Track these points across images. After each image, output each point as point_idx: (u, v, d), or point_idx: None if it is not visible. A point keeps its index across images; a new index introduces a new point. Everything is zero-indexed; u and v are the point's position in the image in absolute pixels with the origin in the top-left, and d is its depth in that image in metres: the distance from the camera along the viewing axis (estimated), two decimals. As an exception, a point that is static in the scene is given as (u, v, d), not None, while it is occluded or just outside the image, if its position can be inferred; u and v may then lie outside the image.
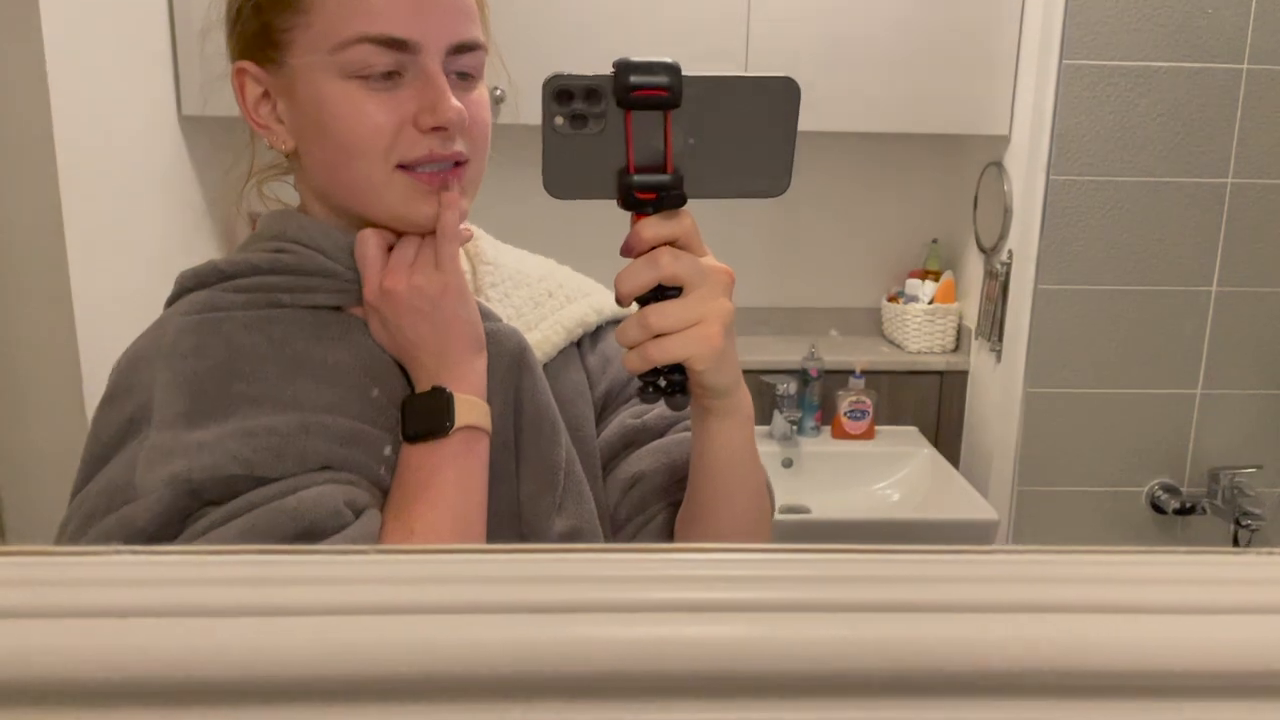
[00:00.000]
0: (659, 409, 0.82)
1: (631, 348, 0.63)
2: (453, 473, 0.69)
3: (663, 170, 0.60)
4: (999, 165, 2.15)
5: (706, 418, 0.69)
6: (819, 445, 2.24)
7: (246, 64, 0.72)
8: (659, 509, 0.79)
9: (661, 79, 0.58)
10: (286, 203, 0.81)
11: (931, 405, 2.37)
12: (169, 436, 0.64)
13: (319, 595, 0.33)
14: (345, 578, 0.35)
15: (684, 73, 0.58)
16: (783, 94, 0.61)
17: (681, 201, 0.61)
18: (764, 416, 2.21)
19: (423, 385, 0.71)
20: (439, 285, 0.70)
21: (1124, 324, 2.04)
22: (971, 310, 2.32)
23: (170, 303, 0.74)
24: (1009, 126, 2.09)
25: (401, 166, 0.69)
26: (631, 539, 0.79)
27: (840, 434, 2.26)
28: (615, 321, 0.85)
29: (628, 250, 0.62)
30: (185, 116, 2.07)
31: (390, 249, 0.72)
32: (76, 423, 1.64)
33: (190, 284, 0.73)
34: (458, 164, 0.71)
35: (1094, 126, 1.93)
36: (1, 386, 1.62)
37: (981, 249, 2.24)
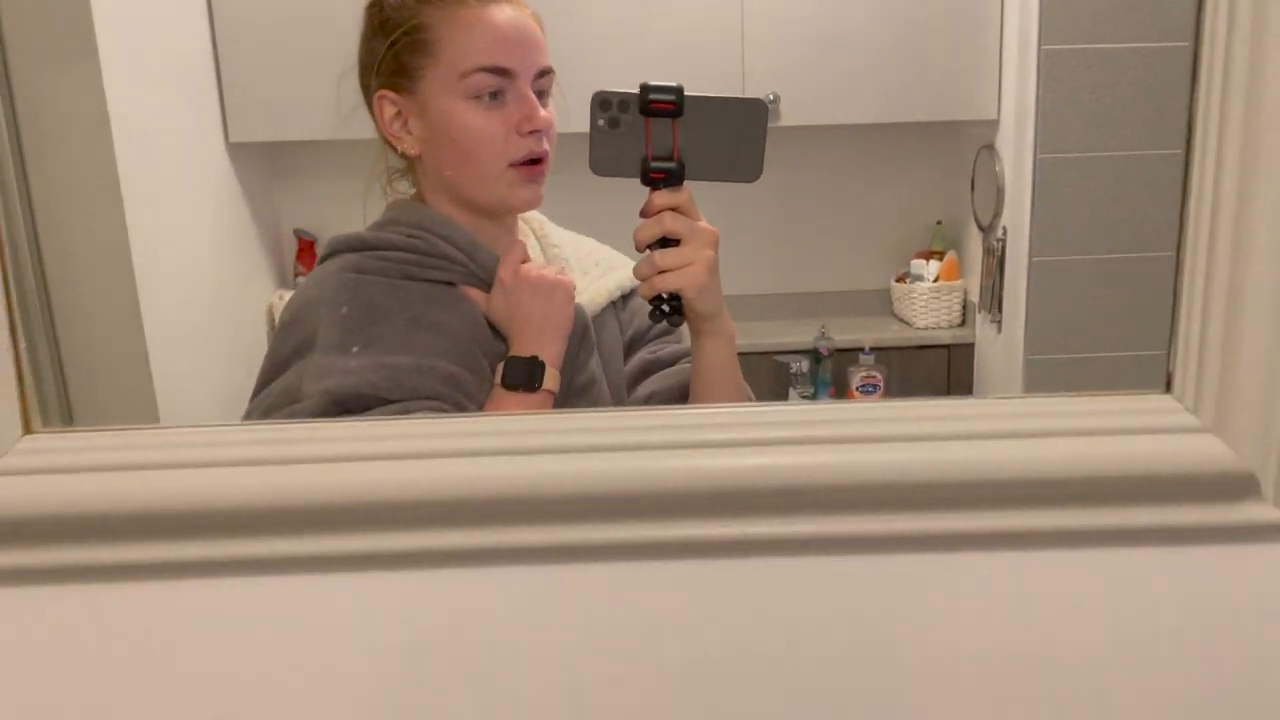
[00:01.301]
0: (670, 349, 1.06)
1: (643, 280, 0.87)
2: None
3: (671, 158, 0.83)
4: (991, 148, 2.29)
5: (700, 339, 0.92)
6: (834, 420, 2.37)
7: (386, 92, 0.96)
8: None
9: (670, 96, 0.81)
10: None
11: (941, 377, 2.50)
12: (326, 360, 0.89)
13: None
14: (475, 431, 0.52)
15: (686, 92, 0.82)
16: (754, 109, 0.84)
17: (681, 180, 0.84)
18: (779, 395, 2.35)
19: (520, 350, 0.95)
20: (559, 282, 0.97)
21: (1115, 290, 2.16)
22: (974, 286, 2.45)
23: (324, 259, 0.97)
24: (997, 111, 2.23)
25: (510, 165, 0.94)
26: None
27: (854, 408, 2.39)
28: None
29: (644, 213, 0.86)
30: (232, 143, 2.26)
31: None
32: (148, 418, 1.81)
33: (341, 247, 0.96)
34: (539, 160, 0.95)
35: (1075, 106, 2.06)
36: (79, 396, 1.80)
37: (980, 227, 2.37)
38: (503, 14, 0.94)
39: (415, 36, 0.94)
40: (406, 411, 0.88)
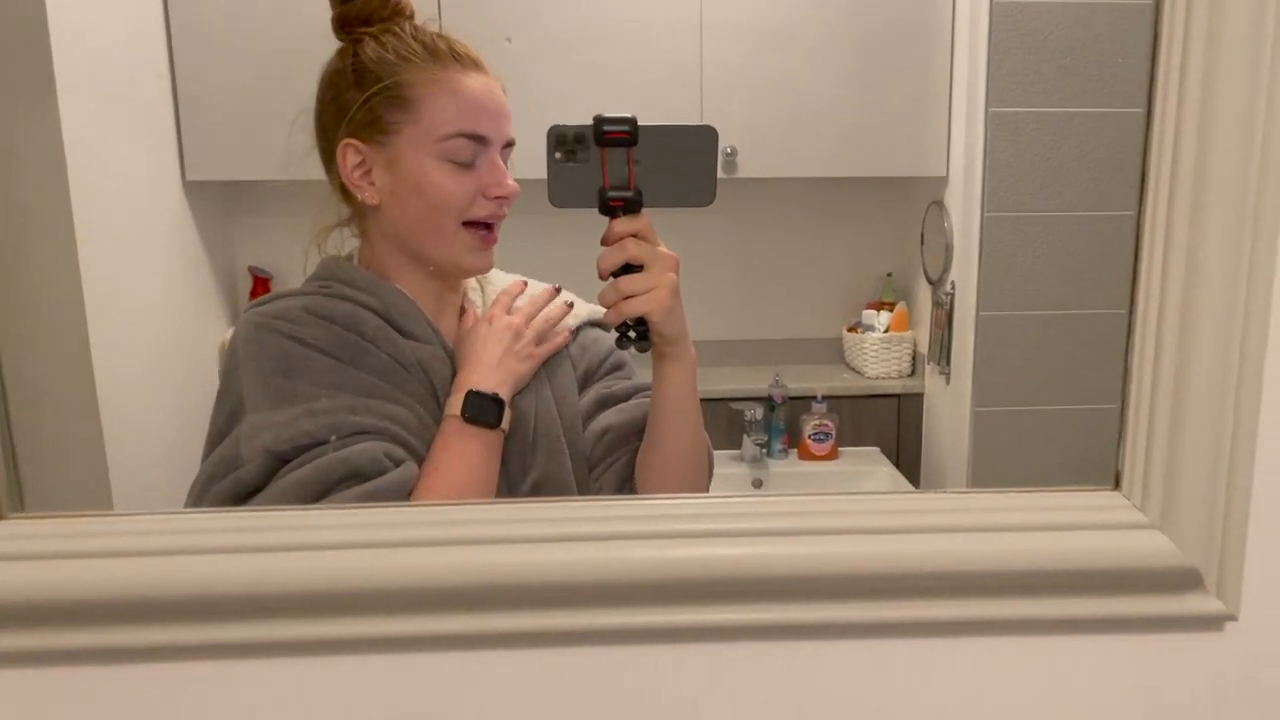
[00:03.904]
0: (624, 384, 1.08)
1: (609, 307, 0.88)
2: (488, 452, 0.96)
3: (627, 187, 0.85)
4: (940, 204, 2.34)
5: (662, 363, 0.94)
6: (786, 466, 2.40)
7: (353, 141, 0.97)
8: (623, 453, 1.04)
9: (624, 126, 0.84)
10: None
11: (891, 426, 2.54)
12: (257, 419, 0.89)
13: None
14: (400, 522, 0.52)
15: (639, 122, 0.85)
16: (706, 136, 0.87)
17: (640, 207, 0.87)
18: (734, 441, 2.38)
19: (473, 384, 0.96)
20: (518, 336, 1.00)
21: (1059, 345, 2.22)
22: (924, 337, 2.50)
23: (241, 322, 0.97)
24: (946, 169, 2.29)
25: (465, 224, 0.96)
26: (602, 475, 1.04)
27: (806, 455, 2.43)
28: (589, 322, 1.11)
29: (605, 241, 0.88)
30: (189, 181, 2.25)
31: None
32: (97, 455, 1.78)
33: (256, 303, 0.97)
34: (491, 228, 0.98)
35: (1021, 167, 2.12)
36: (27, 432, 1.77)
37: (929, 281, 2.43)
38: (479, 83, 0.97)
39: (395, 93, 0.95)
40: (346, 446, 0.88)
